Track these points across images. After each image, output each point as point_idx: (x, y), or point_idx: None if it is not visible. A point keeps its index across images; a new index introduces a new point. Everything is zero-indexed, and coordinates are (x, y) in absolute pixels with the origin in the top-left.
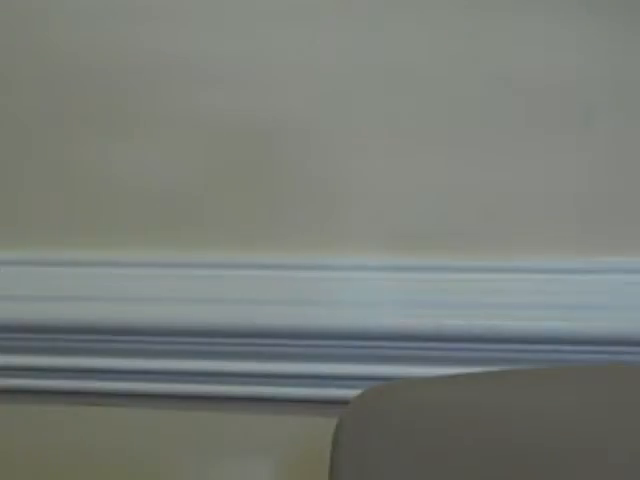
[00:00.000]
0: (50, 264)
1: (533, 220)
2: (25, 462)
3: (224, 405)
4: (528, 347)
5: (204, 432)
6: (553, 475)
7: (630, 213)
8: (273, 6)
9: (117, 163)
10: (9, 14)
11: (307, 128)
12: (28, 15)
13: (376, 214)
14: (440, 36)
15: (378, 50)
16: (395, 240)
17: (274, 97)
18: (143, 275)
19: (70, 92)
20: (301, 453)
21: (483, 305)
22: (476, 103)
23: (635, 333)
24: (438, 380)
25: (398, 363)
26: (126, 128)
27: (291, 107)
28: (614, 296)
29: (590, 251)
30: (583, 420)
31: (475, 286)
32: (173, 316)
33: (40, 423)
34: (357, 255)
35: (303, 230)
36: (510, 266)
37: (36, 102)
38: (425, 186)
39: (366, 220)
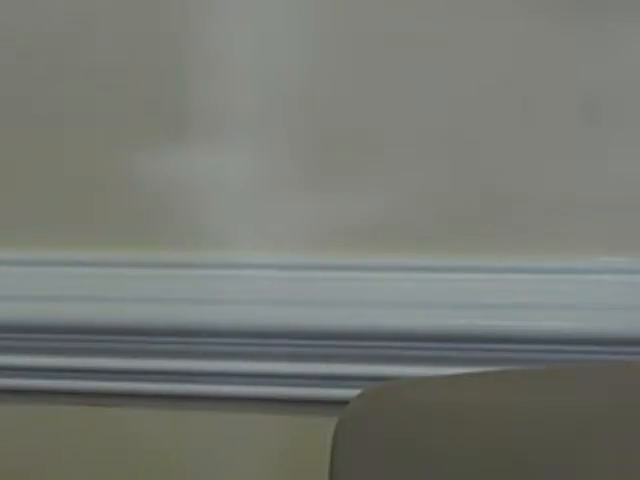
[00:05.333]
0: (50, 264)
1: (533, 220)
2: (25, 462)
3: (224, 405)
4: (528, 347)
5: (204, 432)
6: (553, 475)
7: (630, 213)
8: None
9: (117, 163)
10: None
11: (304, 128)
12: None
13: (376, 214)
14: (440, 35)
15: (378, 49)
16: (395, 240)
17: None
18: (143, 275)
19: (70, 92)
20: (301, 453)
21: (483, 305)
22: (476, 102)
23: (635, 333)
24: (438, 380)
25: (398, 363)
26: (126, 128)
27: (290, 106)
28: (614, 296)
29: (589, 251)
30: (583, 420)
31: (475, 286)
32: (173, 316)
33: (40, 423)
34: (357, 255)
35: (303, 230)
36: (510, 266)
37: (36, 101)
38: (425, 186)
39: (366, 220)
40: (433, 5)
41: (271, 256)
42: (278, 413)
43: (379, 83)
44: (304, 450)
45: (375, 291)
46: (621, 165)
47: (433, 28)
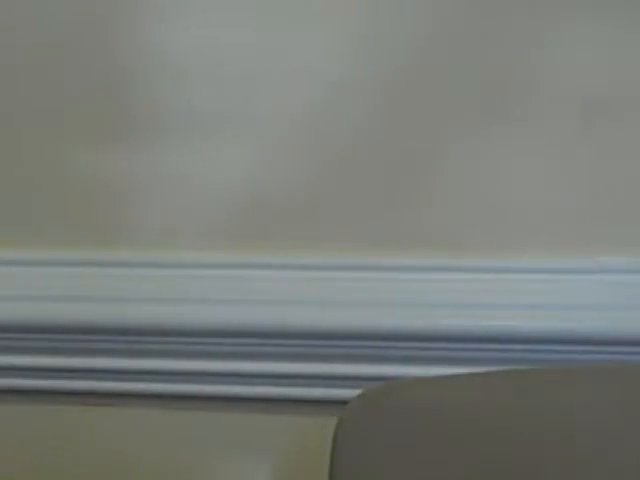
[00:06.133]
0: (50, 264)
1: (533, 220)
2: (25, 462)
3: (224, 405)
4: (528, 347)
5: (204, 432)
6: (553, 475)
7: (630, 213)
8: None
9: (116, 163)
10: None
11: (311, 134)
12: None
13: (375, 213)
14: (439, 34)
15: (377, 48)
16: (395, 240)
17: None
18: (143, 275)
19: (71, 92)
20: (301, 453)
21: (483, 305)
22: (475, 102)
23: (635, 333)
24: (438, 380)
25: (398, 363)
26: (125, 128)
27: (294, 109)
28: (614, 296)
29: (590, 251)
30: (583, 420)
31: (475, 286)
32: (173, 316)
33: (40, 423)
34: (357, 255)
35: (302, 230)
36: (510, 266)
37: (35, 102)
38: (424, 186)
39: (365, 220)
40: (432, 3)
41: (271, 256)
42: (278, 413)
43: (379, 80)
44: (304, 450)
45: (375, 291)
46: (621, 165)
47: (432, 26)
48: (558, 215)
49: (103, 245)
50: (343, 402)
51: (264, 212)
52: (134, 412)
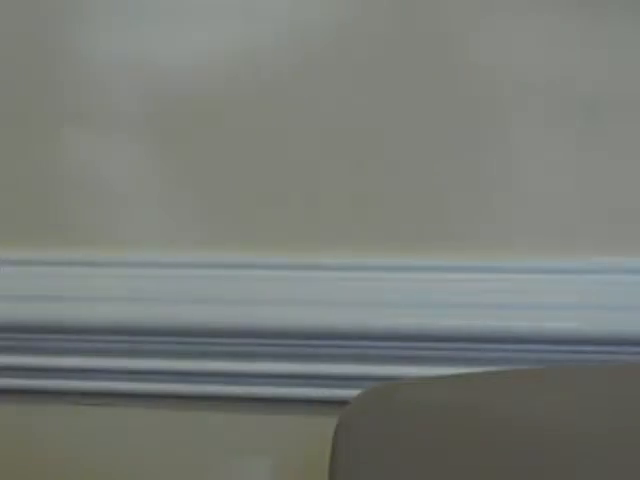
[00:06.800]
0: (50, 264)
1: (533, 220)
2: (25, 462)
3: (224, 405)
4: (528, 347)
5: (204, 432)
6: (553, 475)
7: (630, 213)
8: None
9: (116, 163)
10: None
11: (308, 132)
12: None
13: (375, 213)
14: (438, 33)
15: (376, 49)
16: (395, 240)
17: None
18: (143, 275)
19: (66, 91)
20: (301, 453)
21: (483, 305)
22: (475, 101)
23: (635, 333)
24: (438, 380)
25: (398, 363)
26: (122, 128)
27: (292, 107)
28: (614, 296)
29: (590, 251)
30: (583, 420)
31: (475, 286)
32: (173, 316)
33: (40, 423)
34: (357, 255)
35: (303, 230)
36: (510, 266)
37: (33, 101)
38: (424, 185)
39: (365, 220)
40: (429, 3)
41: (271, 256)
42: (278, 413)
43: (379, 81)
44: (304, 450)
45: (375, 291)
46: (621, 165)
47: (431, 24)
48: (558, 215)
49: (103, 245)
50: (343, 402)
51: (265, 212)
52: (133, 412)
